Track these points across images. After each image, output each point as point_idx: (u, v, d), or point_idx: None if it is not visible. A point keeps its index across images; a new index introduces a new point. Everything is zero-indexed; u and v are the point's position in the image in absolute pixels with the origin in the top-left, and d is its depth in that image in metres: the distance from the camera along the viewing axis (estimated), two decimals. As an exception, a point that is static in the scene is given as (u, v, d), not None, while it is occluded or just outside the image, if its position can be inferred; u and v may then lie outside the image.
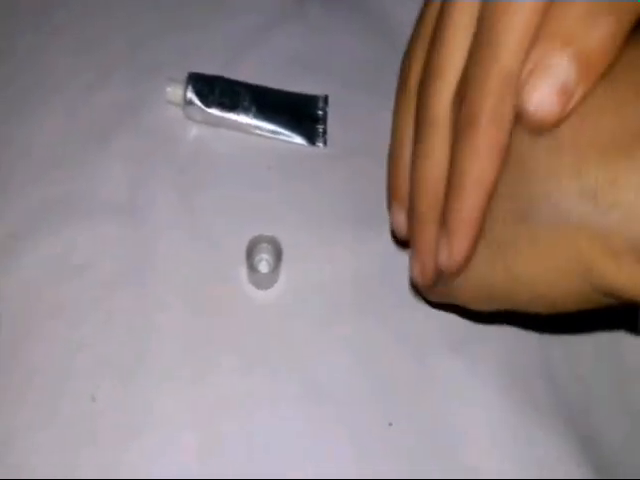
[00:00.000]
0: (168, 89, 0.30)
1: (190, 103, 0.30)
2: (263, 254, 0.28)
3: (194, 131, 0.31)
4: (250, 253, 0.27)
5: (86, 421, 0.24)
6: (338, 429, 0.25)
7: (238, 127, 0.31)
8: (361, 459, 0.25)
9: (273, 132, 0.31)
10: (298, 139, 0.31)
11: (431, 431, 0.26)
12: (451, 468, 0.25)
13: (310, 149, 0.31)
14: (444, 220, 0.20)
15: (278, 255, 0.27)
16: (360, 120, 0.32)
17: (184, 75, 0.31)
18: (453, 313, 0.27)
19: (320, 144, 0.31)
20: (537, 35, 0.17)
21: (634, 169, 0.16)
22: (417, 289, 0.27)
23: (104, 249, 0.27)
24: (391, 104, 0.24)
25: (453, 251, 0.20)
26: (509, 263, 0.19)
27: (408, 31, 0.23)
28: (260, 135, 0.31)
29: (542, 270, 0.19)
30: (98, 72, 0.32)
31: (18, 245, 0.27)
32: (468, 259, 0.20)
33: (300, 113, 0.32)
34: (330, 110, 0.32)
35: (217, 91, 0.31)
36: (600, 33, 0.16)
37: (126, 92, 0.31)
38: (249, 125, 0.31)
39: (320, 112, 0.32)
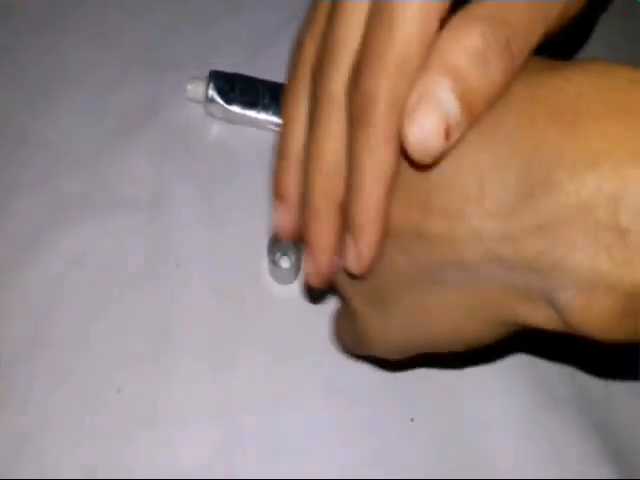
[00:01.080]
0: (189, 87, 0.31)
1: (211, 100, 0.30)
2: (284, 249, 0.28)
3: (215, 128, 0.31)
4: (271, 248, 0.27)
5: (112, 412, 0.24)
6: (359, 424, 0.25)
7: (258, 124, 0.31)
8: (383, 454, 0.25)
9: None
10: (318, 136, 0.31)
11: (452, 427, 0.26)
12: (470, 464, 0.25)
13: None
14: (347, 218, 0.19)
15: (299, 250, 0.27)
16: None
17: (204, 72, 0.31)
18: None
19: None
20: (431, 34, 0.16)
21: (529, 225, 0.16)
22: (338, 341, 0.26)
23: (127, 243, 0.28)
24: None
25: (361, 251, 0.19)
26: (422, 321, 0.19)
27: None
28: (280, 132, 0.31)
29: (454, 324, 0.19)
30: (117, 68, 0.32)
31: (42, 238, 0.27)
32: (375, 259, 0.19)
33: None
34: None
35: (237, 88, 0.31)
36: (489, 76, 0.16)
37: (146, 89, 0.32)
38: (269, 122, 0.31)
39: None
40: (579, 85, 0.16)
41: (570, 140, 0.15)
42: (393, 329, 0.20)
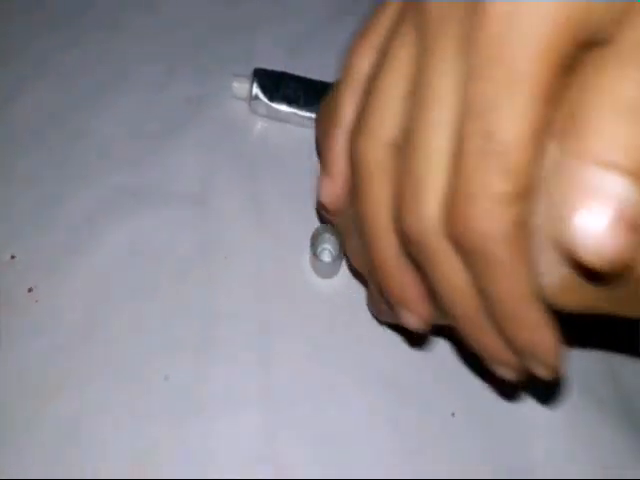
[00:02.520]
0: (235, 84, 0.32)
1: (256, 98, 0.31)
2: (326, 244, 0.29)
3: (259, 125, 0.32)
4: (314, 242, 0.28)
5: (160, 399, 0.25)
6: (401, 418, 0.26)
7: (301, 122, 0.32)
8: (424, 449, 0.25)
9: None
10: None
11: (493, 423, 0.26)
12: (511, 464, 0.25)
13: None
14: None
15: (341, 245, 0.28)
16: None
17: (248, 70, 0.32)
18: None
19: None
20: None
21: None
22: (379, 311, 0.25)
23: (175, 236, 0.29)
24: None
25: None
26: None
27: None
28: (322, 129, 0.32)
29: None
30: (164, 67, 0.33)
31: (94, 231, 0.28)
32: None
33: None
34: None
35: (281, 86, 0.31)
36: None
37: (192, 87, 0.33)
38: (312, 119, 0.31)
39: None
40: None
41: None
42: None
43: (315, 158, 0.31)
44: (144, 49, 0.34)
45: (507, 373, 0.18)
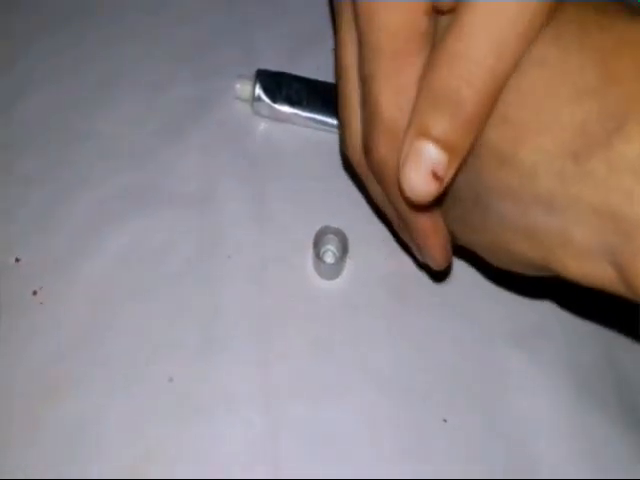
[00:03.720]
0: (237, 86, 0.32)
1: (258, 99, 0.31)
2: (329, 245, 0.29)
3: (262, 126, 0.32)
4: (317, 243, 0.28)
5: (164, 399, 0.25)
6: (401, 418, 0.26)
7: (304, 122, 0.32)
8: (423, 448, 0.25)
9: (338, 127, 0.32)
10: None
11: (490, 426, 0.26)
12: (510, 464, 0.25)
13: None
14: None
15: (344, 247, 0.28)
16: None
17: (250, 71, 0.32)
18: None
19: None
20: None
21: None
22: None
23: (178, 237, 0.29)
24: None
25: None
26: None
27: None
28: (325, 130, 0.32)
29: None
30: (167, 68, 0.33)
31: (97, 232, 0.29)
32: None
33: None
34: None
35: (284, 87, 0.31)
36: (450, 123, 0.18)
37: (195, 88, 0.33)
38: (315, 120, 0.31)
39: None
40: None
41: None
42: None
43: (318, 159, 0.31)
44: (146, 50, 0.34)
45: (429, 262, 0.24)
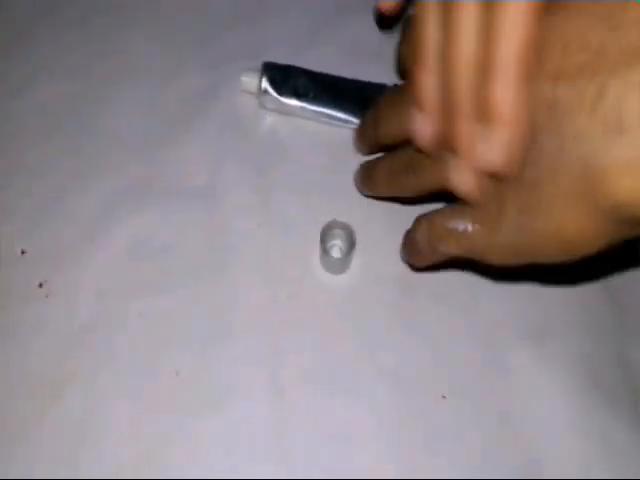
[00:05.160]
0: (243, 78, 0.31)
1: (265, 92, 0.31)
2: (336, 240, 0.28)
3: (268, 119, 0.32)
4: (324, 238, 0.27)
5: (171, 393, 0.25)
6: (407, 413, 0.26)
7: (309, 115, 0.31)
8: (427, 447, 0.25)
9: (344, 120, 0.31)
10: (368, 127, 0.31)
11: (502, 421, 0.26)
12: (519, 463, 0.25)
13: (380, 137, 0.31)
14: (484, 108, 0.20)
15: (351, 241, 0.27)
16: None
17: (256, 64, 0.31)
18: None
19: (390, 132, 0.31)
20: None
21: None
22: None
23: (185, 230, 0.29)
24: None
25: (501, 141, 0.20)
26: (533, 224, 0.20)
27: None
28: (331, 123, 0.31)
29: (561, 219, 0.19)
30: (173, 62, 0.33)
31: (102, 225, 0.28)
32: (518, 152, 0.20)
33: (370, 101, 0.32)
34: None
35: (290, 80, 0.31)
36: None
37: (202, 81, 0.32)
38: (320, 113, 0.31)
39: (390, 101, 0.32)
40: None
41: None
42: (507, 237, 0.21)
43: (325, 153, 0.31)
44: (153, 44, 0.33)
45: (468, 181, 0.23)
